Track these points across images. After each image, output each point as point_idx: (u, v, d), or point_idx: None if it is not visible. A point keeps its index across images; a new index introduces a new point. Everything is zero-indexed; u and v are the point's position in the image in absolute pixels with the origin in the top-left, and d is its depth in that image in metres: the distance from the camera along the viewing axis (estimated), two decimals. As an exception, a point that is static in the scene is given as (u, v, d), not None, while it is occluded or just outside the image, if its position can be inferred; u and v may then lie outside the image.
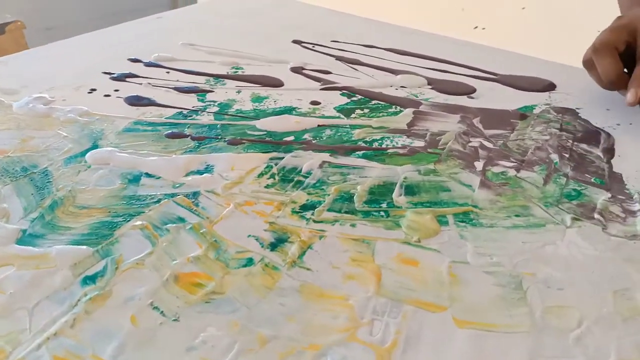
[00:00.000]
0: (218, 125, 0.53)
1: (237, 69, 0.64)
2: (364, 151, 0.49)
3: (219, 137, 0.51)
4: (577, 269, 0.37)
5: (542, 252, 0.38)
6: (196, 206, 0.42)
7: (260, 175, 0.46)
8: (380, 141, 0.51)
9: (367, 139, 0.51)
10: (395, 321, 0.33)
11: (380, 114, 0.56)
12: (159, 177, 0.45)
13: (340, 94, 0.59)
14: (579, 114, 0.57)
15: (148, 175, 0.45)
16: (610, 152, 0.50)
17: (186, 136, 0.51)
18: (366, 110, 0.56)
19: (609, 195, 0.44)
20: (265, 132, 0.52)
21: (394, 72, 0.64)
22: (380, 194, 0.44)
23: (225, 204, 0.43)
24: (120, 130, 0.51)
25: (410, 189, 0.44)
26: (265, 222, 0.41)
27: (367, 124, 0.54)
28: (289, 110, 0.56)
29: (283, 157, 0.48)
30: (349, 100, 0.58)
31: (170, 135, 0.51)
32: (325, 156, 0.49)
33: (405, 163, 0.48)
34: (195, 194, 0.43)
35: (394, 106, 0.57)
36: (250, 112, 0.55)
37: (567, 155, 0.49)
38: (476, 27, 1.21)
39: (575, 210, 0.42)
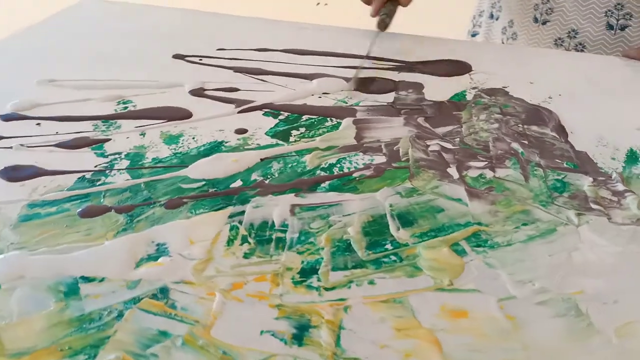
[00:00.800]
0: (142, 186, 0.42)
1: (125, 103, 0.52)
2: (328, 181, 0.43)
3: (151, 201, 0.40)
4: (614, 273, 0.36)
5: (573, 262, 0.36)
6: (173, 308, 0.32)
7: (230, 242, 0.37)
8: (338, 165, 0.44)
9: (323, 165, 0.44)
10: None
11: (320, 131, 0.49)
12: (102, 279, 0.34)
13: (263, 114, 0.51)
14: (509, 93, 0.55)
15: (86, 279, 0.34)
16: (561, 130, 0.49)
17: (108, 209, 0.40)
18: (302, 130, 0.49)
19: (590, 179, 0.43)
20: (203, 182, 0.42)
21: (307, 77, 0.57)
22: (376, 232, 0.38)
23: (208, 295, 0.33)
24: (14, 221, 0.38)
25: (404, 219, 0.39)
26: (270, 306, 0.33)
27: (313, 147, 0.47)
28: (216, 147, 0.46)
29: (243, 211, 0.40)
30: (277, 121, 0.50)
31: (86, 214, 0.39)
32: (291, 198, 0.41)
33: (379, 187, 0.42)
34: (164, 291, 0.33)
35: (328, 119, 0.50)
36: (171, 158, 0.45)
37: (526, 142, 0.47)
38: (318, 4, 1.17)
39: (573, 204, 0.41)
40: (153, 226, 0.38)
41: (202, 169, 0.44)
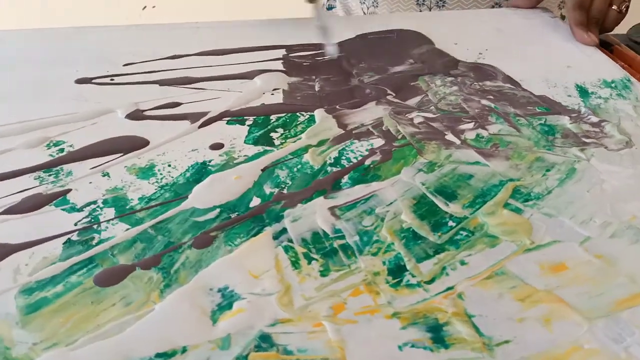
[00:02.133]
0: (150, 231, 0.35)
1: (57, 145, 0.43)
2: (346, 175, 0.40)
3: (175, 245, 0.34)
4: None
5: (608, 193, 0.39)
6: (289, 354, 0.28)
7: (296, 265, 0.33)
8: (343, 157, 0.42)
9: (328, 160, 0.42)
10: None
11: (299, 128, 0.46)
12: (184, 349, 0.28)
13: (227, 123, 0.46)
14: (447, 53, 0.57)
15: (163, 355, 0.28)
16: (512, 80, 0.52)
17: (132, 268, 0.33)
18: (281, 130, 0.45)
19: (567, 117, 0.46)
20: (218, 209, 0.37)
21: (246, 76, 0.53)
22: (430, 213, 0.37)
23: (315, 327, 0.29)
24: (18, 317, 0.30)
25: (444, 193, 0.38)
26: (387, 317, 0.30)
27: (305, 145, 0.43)
28: (204, 169, 0.41)
29: (284, 229, 0.36)
30: (246, 127, 0.46)
31: (106, 281, 0.32)
32: (322, 201, 0.38)
33: (398, 168, 0.41)
34: (265, 339, 0.29)
35: (298, 114, 0.47)
36: (162, 192, 0.39)
37: (492, 97, 0.49)
38: (145, 8, 1.09)
39: (570, 142, 0.43)
40: (198, 272, 0.32)
41: (207, 196, 0.38)
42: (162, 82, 0.52)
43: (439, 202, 0.38)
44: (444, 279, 0.32)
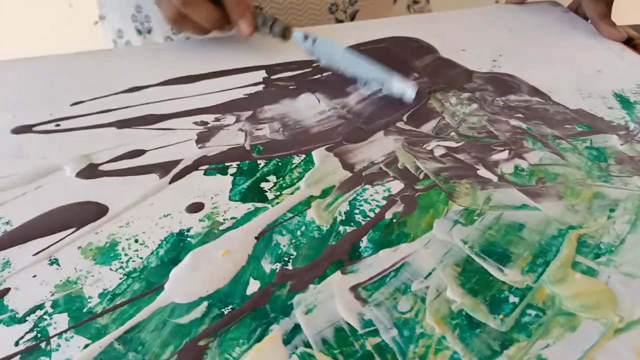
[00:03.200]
0: (117, 346, 0.26)
1: (-11, 222, 0.33)
2: (365, 237, 0.31)
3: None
4: None
5: None
6: None
7: (322, 383, 0.24)
8: (356, 211, 0.33)
9: (338, 217, 0.33)
10: None
11: (296, 173, 0.37)
12: None
13: (205, 174, 0.37)
14: (456, 63, 0.49)
15: None
16: (538, 92, 0.44)
17: None
18: (273, 179, 0.36)
19: (615, 137, 0.38)
20: (205, 301, 0.28)
21: (223, 110, 0.44)
22: (482, 285, 0.28)
23: None
24: None
25: (494, 254, 0.30)
26: None
27: (306, 197, 0.35)
28: (181, 243, 0.32)
29: (296, 326, 0.27)
30: (230, 177, 0.37)
31: None
32: (340, 278, 0.29)
33: (428, 223, 0.32)
34: None
35: (292, 157, 0.38)
36: (129, 283, 0.29)
37: (521, 115, 0.41)
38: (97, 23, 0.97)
39: (629, 170, 0.36)
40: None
41: (189, 284, 0.29)
42: (119, 124, 0.42)
43: (491, 267, 0.29)
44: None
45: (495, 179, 0.35)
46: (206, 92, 0.46)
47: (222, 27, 0.48)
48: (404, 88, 0.43)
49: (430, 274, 0.29)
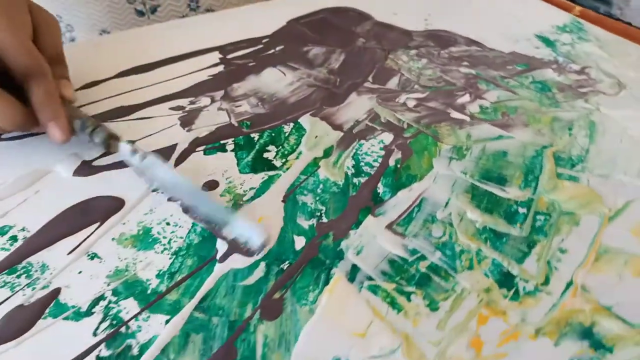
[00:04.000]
0: (195, 315, 0.28)
1: (3, 232, 0.33)
2: (379, 183, 0.35)
3: (239, 323, 0.27)
4: None
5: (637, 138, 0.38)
6: None
7: (396, 306, 0.28)
8: (362, 162, 0.37)
9: (348, 171, 0.36)
10: None
11: (292, 140, 0.39)
12: None
13: (205, 153, 0.39)
14: (394, 25, 0.53)
15: None
16: (476, 42, 0.50)
17: None
18: (273, 148, 0.39)
19: (550, 70, 0.45)
20: (262, 262, 0.30)
21: (194, 93, 0.45)
22: (493, 204, 0.33)
23: None
24: None
25: (492, 178, 0.35)
26: (531, 337, 0.26)
27: (311, 159, 0.38)
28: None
29: (356, 267, 0.30)
30: (231, 153, 0.38)
31: None
32: (373, 221, 0.33)
33: (428, 163, 0.37)
34: None
35: (283, 126, 0.41)
36: (181, 261, 0.31)
37: (467, 63, 0.47)
38: None
39: (571, 95, 0.42)
40: (291, 350, 0.26)
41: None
42: (97, 118, 0.41)
43: (494, 189, 0.34)
44: (557, 275, 0.29)
45: (467, 118, 0.40)
46: (168, 79, 0.46)
47: (27, 128, 0.37)
48: (250, 234, 0.32)
49: (447, 203, 0.33)
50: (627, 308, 0.27)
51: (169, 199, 0.34)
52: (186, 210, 0.33)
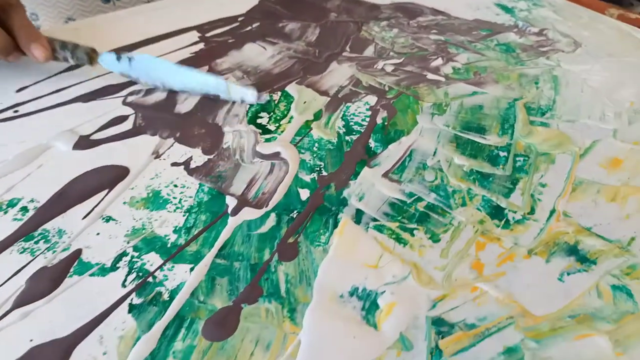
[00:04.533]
0: (217, 261, 0.30)
1: (12, 204, 0.33)
2: (370, 139, 0.38)
3: (260, 265, 0.29)
4: (619, 78, 0.43)
5: (599, 88, 0.42)
6: (473, 327, 0.26)
7: (401, 241, 0.31)
8: (352, 123, 0.40)
9: (339, 131, 0.39)
10: None
11: (283, 107, 0.42)
12: None
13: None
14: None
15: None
16: (440, 12, 0.53)
17: (238, 309, 0.27)
18: (265, 115, 0.41)
19: (512, 34, 0.49)
20: (272, 213, 0.33)
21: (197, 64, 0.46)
22: (476, 150, 0.37)
23: (473, 292, 0.28)
24: None
25: (472, 128, 0.38)
26: (525, 257, 0.30)
27: (304, 122, 0.40)
28: (219, 176, 0.35)
29: (360, 211, 0.33)
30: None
31: (219, 331, 0.26)
32: (370, 171, 0.35)
33: (412, 119, 0.40)
34: (441, 323, 0.26)
35: (270, 95, 0.43)
36: (195, 217, 0.33)
37: (436, 31, 0.50)
38: None
39: (533, 54, 0.46)
40: (312, 285, 0.28)
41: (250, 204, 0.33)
42: (84, 98, 0.42)
43: (476, 137, 0.37)
44: (541, 205, 0.32)
45: (443, 79, 0.43)
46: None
47: (8, 54, 0.40)
48: (243, 92, 0.39)
49: (435, 152, 0.36)
50: (605, 228, 0.30)
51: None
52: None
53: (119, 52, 0.39)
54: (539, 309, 0.26)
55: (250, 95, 0.37)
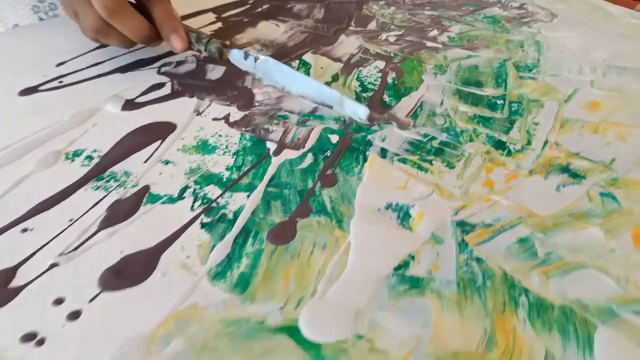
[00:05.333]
0: (269, 190, 0.35)
1: (77, 154, 0.38)
2: (384, 95, 0.44)
3: (306, 191, 0.35)
4: (591, 39, 0.49)
5: (575, 50, 0.49)
6: (490, 226, 0.32)
7: (422, 168, 0.36)
8: (367, 82, 0.45)
9: (356, 89, 0.45)
10: None
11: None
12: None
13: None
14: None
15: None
16: (431, -8, 0.59)
17: (294, 222, 0.33)
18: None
19: (496, 8, 0.56)
20: (309, 154, 0.38)
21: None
22: (476, 100, 0.43)
23: (487, 202, 0.34)
24: (231, 293, 0.28)
25: (472, 83, 0.44)
26: (527, 176, 0.36)
27: (324, 83, 0.45)
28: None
29: (384, 150, 0.38)
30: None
31: (281, 237, 0.32)
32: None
33: (419, 78, 0.46)
34: (462, 224, 0.32)
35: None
36: (242, 158, 0.38)
37: (429, 7, 0.56)
38: None
39: (516, 24, 0.53)
40: (353, 203, 0.34)
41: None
42: (122, 69, 0.47)
43: (475, 90, 0.43)
44: (536, 138, 0.38)
45: (440, 46, 0.49)
46: (175, 36, 0.52)
47: (151, 41, 0.43)
48: (356, 107, 0.40)
49: (442, 102, 0.42)
50: (589, 152, 0.36)
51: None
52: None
53: (246, 50, 0.43)
54: (543, 211, 0.32)
55: (362, 111, 0.40)
